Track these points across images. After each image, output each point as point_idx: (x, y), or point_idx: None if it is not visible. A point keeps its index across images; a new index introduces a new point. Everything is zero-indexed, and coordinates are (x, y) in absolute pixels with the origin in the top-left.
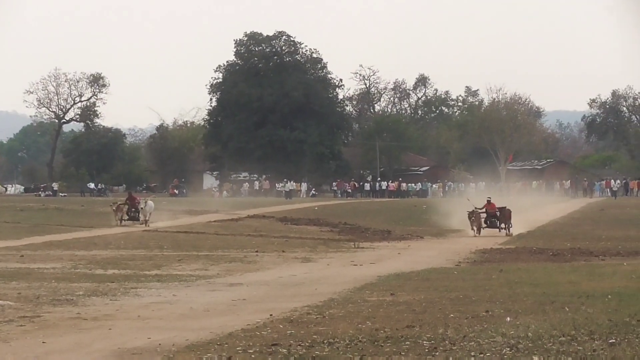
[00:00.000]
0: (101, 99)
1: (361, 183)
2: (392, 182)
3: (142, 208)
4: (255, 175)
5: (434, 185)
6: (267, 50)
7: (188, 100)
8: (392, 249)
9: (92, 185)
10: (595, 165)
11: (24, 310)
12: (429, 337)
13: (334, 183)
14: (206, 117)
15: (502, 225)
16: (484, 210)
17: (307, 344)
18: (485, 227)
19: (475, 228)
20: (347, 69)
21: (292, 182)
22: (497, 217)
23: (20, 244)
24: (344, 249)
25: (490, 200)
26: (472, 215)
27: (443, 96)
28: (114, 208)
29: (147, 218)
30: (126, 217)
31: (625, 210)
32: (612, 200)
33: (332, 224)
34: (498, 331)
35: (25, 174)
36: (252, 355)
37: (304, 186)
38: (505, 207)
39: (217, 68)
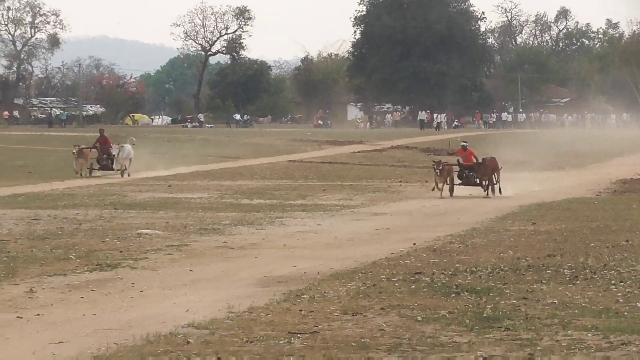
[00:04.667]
0: (247, 31)
1: (501, 114)
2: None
3: (115, 155)
4: (398, 107)
5: (569, 117)
6: None
7: (332, 32)
8: (532, 179)
9: (237, 117)
10: None
11: (171, 239)
12: (570, 265)
13: (487, 115)
14: (350, 49)
15: (484, 183)
16: (455, 161)
17: (449, 272)
18: (459, 185)
19: (439, 185)
20: (489, 2)
21: (441, 114)
22: (474, 170)
23: (167, 174)
24: None
25: (466, 147)
26: (438, 167)
27: (584, 29)
28: (74, 152)
29: (123, 167)
30: (97, 165)
31: None
32: None
33: None
34: (638, 260)
35: (172, 105)
36: (396, 284)
37: (443, 117)
38: (487, 157)
39: (361, 1)
